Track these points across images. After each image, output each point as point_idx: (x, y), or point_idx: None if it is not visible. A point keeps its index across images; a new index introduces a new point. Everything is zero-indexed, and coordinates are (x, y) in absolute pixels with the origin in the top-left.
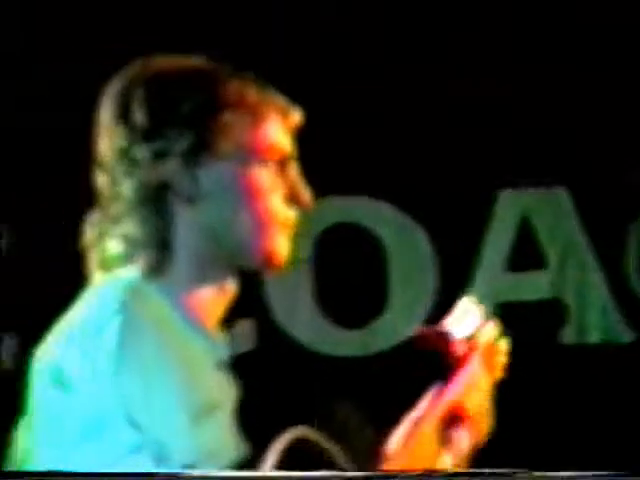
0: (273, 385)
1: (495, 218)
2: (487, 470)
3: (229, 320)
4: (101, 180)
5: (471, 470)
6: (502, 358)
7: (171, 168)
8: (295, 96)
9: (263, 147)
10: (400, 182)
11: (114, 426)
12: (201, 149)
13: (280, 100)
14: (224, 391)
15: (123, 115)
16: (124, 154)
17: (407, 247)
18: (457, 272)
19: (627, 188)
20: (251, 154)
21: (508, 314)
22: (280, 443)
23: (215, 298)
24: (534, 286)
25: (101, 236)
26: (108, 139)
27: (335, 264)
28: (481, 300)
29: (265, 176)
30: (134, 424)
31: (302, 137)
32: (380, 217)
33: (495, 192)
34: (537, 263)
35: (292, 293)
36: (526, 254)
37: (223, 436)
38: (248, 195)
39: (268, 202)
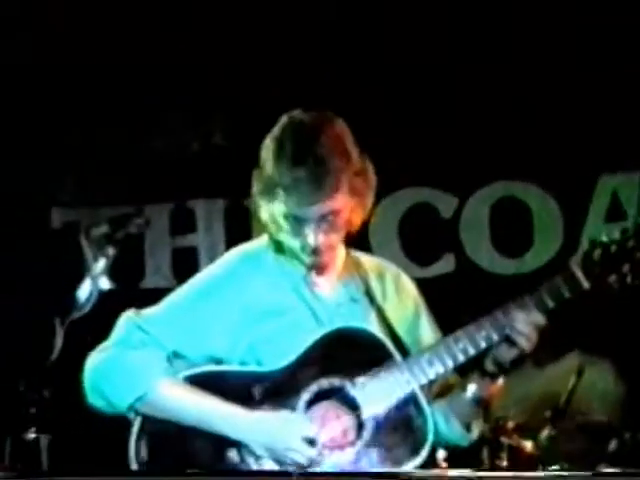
0: (463, 294)
1: (597, 191)
2: (484, 473)
3: (439, 254)
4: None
5: (469, 471)
6: None
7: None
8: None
9: None
10: (541, 170)
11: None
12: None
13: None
14: (290, 304)
15: (275, 170)
16: (263, 192)
17: (545, 210)
18: (575, 224)
19: None
20: None
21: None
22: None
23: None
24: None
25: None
26: (261, 173)
27: (502, 221)
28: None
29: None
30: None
31: (484, 142)
32: (529, 192)
33: (597, 175)
34: (621, 217)
35: (477, 237)
36: (615, 212)
37: (281, 334)
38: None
39: None
